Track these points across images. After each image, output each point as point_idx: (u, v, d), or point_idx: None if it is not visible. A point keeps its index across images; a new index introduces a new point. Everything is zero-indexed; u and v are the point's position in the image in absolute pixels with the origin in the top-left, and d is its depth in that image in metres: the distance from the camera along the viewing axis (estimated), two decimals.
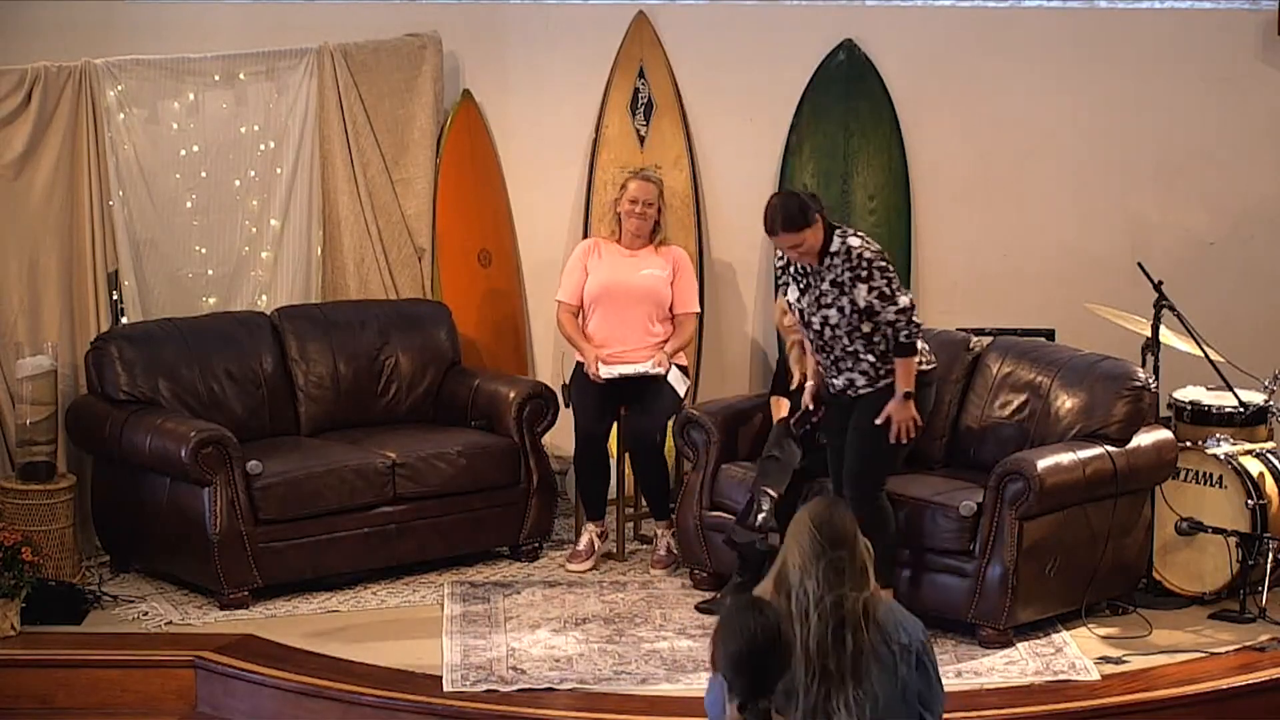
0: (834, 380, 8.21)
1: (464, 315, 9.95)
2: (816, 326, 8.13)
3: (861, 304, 8.02)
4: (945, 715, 7.46)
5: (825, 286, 8.05)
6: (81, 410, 9.07)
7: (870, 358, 8.13)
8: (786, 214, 7.95)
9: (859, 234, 8.14)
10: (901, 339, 8.09)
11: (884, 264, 8.06)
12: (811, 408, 8.30)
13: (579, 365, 9.32)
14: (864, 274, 8.02)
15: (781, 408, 8.85)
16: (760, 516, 8.39)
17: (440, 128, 10.11)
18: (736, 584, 8.57)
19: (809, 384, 8.34)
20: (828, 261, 8.04)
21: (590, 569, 9.12)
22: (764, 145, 10.23)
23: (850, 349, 8.12)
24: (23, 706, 8.01)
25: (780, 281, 8.33)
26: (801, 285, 8.13)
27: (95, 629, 8.41)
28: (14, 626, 8.25)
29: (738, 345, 10.31)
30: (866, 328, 8.07)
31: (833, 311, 8.07)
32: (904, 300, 8.08)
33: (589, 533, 9.25)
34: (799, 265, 8.11)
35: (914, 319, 8.08)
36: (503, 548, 9.35)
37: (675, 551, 9.16)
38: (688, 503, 8.92)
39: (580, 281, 9.40)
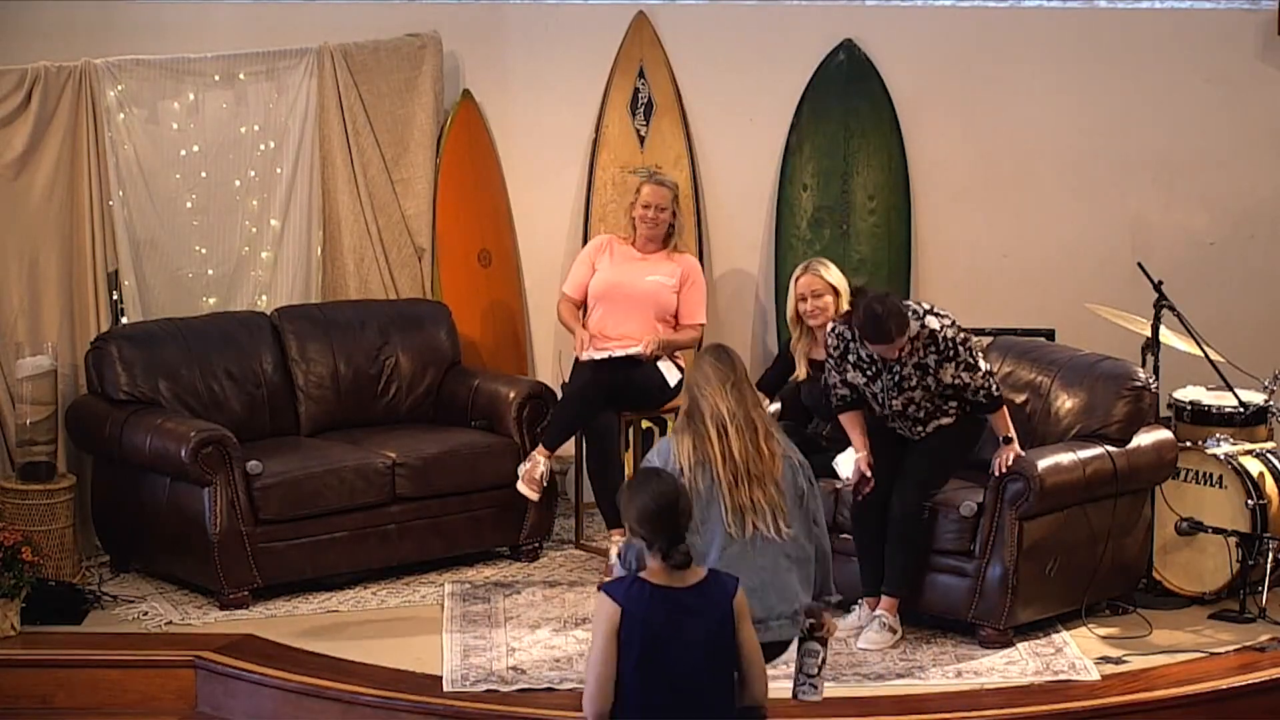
0: (918, 430, 8.27)
1: (464, 315, 9.94)
2: (898, 407, 8.19)
3: (948, 380, 8.12)
4: (945, 715, 7.52)
5: (907, 370, 8.11)
6: (81, 410, 9.07)
7: (953, 412, 8.24)
8: (899, 322, 7.94)
9: (932, 311, 8.17)
10: (985, 398, 8.18)
11: (964, 336, 8.14)
12: (868, 475, 8.24)
13: (577, 361, 9.30)
14: (950, 353, 8.10)
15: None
16: None
17: (440, 128, 10.11)
18: None
19: (861, 454, 8.26)
20: (908, 347, 8.08)
21: None
22: (764, 145, 10.23)
23: (933, 413, 8.22)
24: (23, 706, 8.01)
25: (837, 373, 8.25)
26: (870, 372, 8.17)
27: (95, 629, 8.41)
28: (14, 626, 8.25)
29: (737, 344, 10.24)
30: (950, 395, 8.18)
31: (917, 392, 8.15)
32: (984, 364, 8.20)
33: (615, 544, 9.05)
34: (862, 354, 8.14)
35: (992, 373, 8.22)
36: (503, 548, 9.35)
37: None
38: None
39: (586, 277, 9.39)
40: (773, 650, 6.38)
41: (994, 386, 8.22)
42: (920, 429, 8.28)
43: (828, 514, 8.41)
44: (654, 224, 9.34)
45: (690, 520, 5.70)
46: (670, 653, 5.53)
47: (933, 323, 8.10)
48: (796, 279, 8.78)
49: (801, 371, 8.83)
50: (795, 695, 6.49)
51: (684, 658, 5.54)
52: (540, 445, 9.07)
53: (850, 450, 8.36)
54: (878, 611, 8.23)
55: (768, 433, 6.40)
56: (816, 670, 6.50)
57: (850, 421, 8.30)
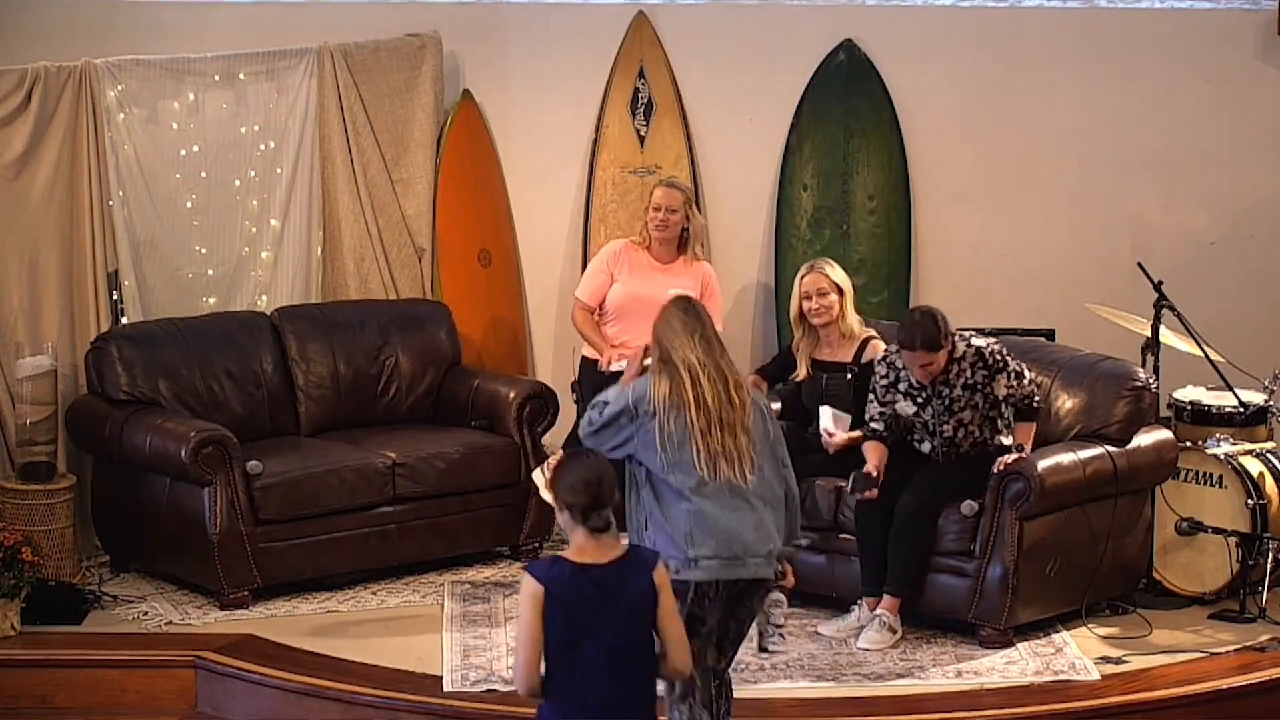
0: (947, 454, 8.36)
1: (464, 315, 9.94)
2: (948, 433, 8.28)
3: (1001, 394, 8.25)
4: (945, 715, 7.52)
5: (956, 393, 8.25)
6: (81, 410, 9.07)
7: (999, 438, 8.34)
8: (926, 335, 8.10)
9: (975, 334, 8.35)
10: (1027, 406, 8.28)
11: (1006, 350, 8.30)
12: (875, 475, 8.26)
13: (585, 361, 9.26)
14: (999, 366, 8.24)
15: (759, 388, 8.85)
16: None
17: (440, 128, 10.11)
18: None
19: (870, 464, 8.30)
20: (954, 369, 8.22)
21: None
22: (764, 145, 10.23)
23: (979, 440, 8.31)
24: (23, 706, 8.02)
25: (884, 401, 8.36)
26: (920, 399, 8.28)
27: (95, 629, 8.41)
28: (14, 626, 8.25)
29: (738, 344, 10.30)
30: (996, 418, 8.30)
31: (967, 413, 8.26)
32: (1028, 371, 8.31)
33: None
34: (913, 382, 8.26)
35: (1037, 384, 8.36)
36: (503, 548, 9.35)
37: None
38: None
39: (603, 285, 9.29)
40: (751, 589, 6.54)
41: (1037, 395, 8.31)
42: (955, 453, 8.34)
43: (830, 513, 8.46)
44: (663, 226, 9.26)
45: (613, 496, 5.88)
46: (592, 627, 5.73)
47: (978, 341, 8.25)
48: (801, 278, 8.79)
49: (802, 371, 8.83)
50: (763, 647, 6.60)
51: (607, 632, 5.74)
52: (562, 453, 9.02)
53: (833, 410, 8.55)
54: (878, 611, 8.23)
55: (737, 382, 6.61)
56: (783, 620, 6.71)
57: (871, 448, 8.34)
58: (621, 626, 5.75)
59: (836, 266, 8.81)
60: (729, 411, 6.53)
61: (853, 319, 8.75)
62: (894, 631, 8.22)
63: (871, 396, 8.39)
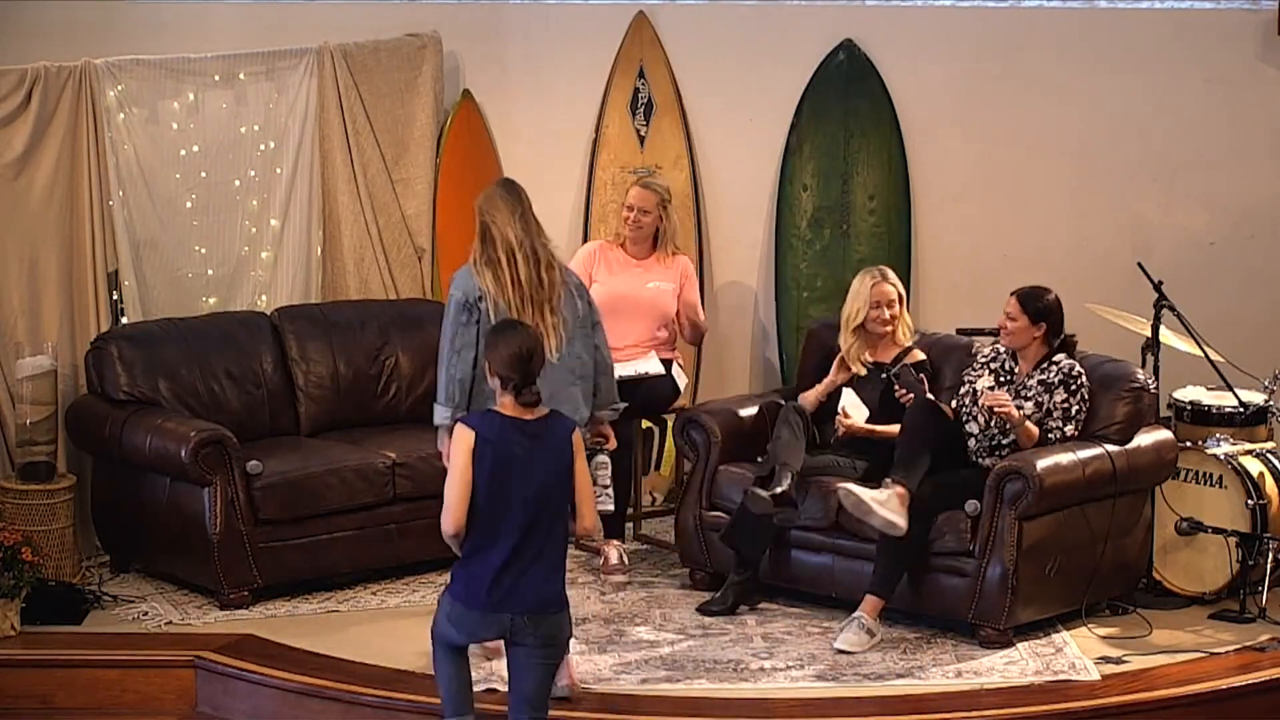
0: (993, 456, 8.45)
1: None
2: None
3: (1049, 406, 8.39)
4: (945, 715, 7.52)
5: (1032, 383, 8.46)
6: (81, 410, 9.07)
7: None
8: (1030, 293, 8.50)
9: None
10: (1043, 428, 8.39)
11: (1087, 396, 8.42)
12: (924, 384, 8.57)
13: None
14: (1071, 386, 8.42)
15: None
16: (783, 485, 8.39)
17: (440, 128, 10.12)
18: (734, 583, 8.59)
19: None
20: (1044, 364, 8.45)
21: (629, 581, 9.02)
22: (764, 145, 10.23)
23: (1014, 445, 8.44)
24: (23, 706, 8.02)
25: (967, 378, 8.61)
26: (1003, 380, 8.52)
27: (95, 629, 8.42)
28: (14, 626, 8.26)
29: (738, 345, 10.32)
30: (1045, 425, 8.40)
31: (1030, 404, 8.40)
32: (1071, 429, 8.40)
33: (615, 548, 9.06)
34: (1006, 366, 8.51)
35: (1069, 439, 8.42)
36: None
37: (625, 561, 9.10)
38: (688, 502, 8.92)
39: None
40: None
41: (1058, 437, 8.39)
42: (993, 456, 8.39)
43: (829, 516, 8.46)
44: (635, 226, 9.31)
45: (541, 368, 6.51)
46: (516, 472, 6.39)
47: (1079, 365, 8.46)
48: (871, 286, 8.79)
49: (861, 370, 8.83)
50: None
51: (528, 478, 6.39)
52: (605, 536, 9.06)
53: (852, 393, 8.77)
54: (858, 614, 8.20)
55: (549, 264, 7.36)
56: (609, 481, 7.69)
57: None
58: (546, 471, 6.40)
59: (893, 274, 8.87)
60: (539, 291, 7.30)
61: (906, 327, 8.82)
62: (872, 635, 8.18)
63: (969, 371, 8.62)
